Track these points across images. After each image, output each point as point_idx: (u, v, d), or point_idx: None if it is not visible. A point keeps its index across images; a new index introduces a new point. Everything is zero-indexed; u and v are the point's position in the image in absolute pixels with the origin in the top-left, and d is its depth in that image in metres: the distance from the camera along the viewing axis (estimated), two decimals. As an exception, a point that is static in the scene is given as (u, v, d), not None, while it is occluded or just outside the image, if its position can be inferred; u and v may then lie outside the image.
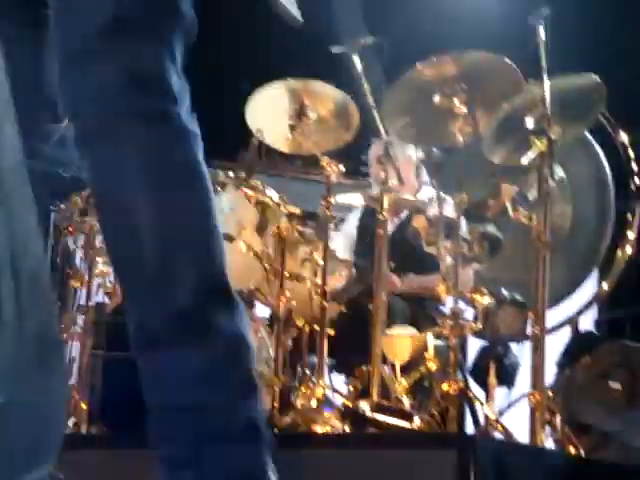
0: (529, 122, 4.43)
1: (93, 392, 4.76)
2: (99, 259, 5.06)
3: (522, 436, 4.19)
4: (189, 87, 2.09)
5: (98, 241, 5.05)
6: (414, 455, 3.53)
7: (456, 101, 4.56)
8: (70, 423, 4.73)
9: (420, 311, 5.10)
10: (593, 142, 5.67)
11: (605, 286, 5.85)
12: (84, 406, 4.63)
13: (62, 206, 5.20)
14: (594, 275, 6.00)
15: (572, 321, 5.93)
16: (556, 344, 5.56)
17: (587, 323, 6.13)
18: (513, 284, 4.79)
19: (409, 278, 5.15)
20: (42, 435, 1.60)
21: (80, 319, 5.29)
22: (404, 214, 5.25)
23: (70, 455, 4.08)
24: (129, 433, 4.39)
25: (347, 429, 4.10)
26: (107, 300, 5.08)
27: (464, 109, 4.54)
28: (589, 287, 6.04)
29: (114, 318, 4.94)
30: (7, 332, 1.47)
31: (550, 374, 4.96)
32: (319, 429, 4.12)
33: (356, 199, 4.78)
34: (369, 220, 4.88)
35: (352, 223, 5.48)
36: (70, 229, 5.16)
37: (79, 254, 5.22)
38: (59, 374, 1.64)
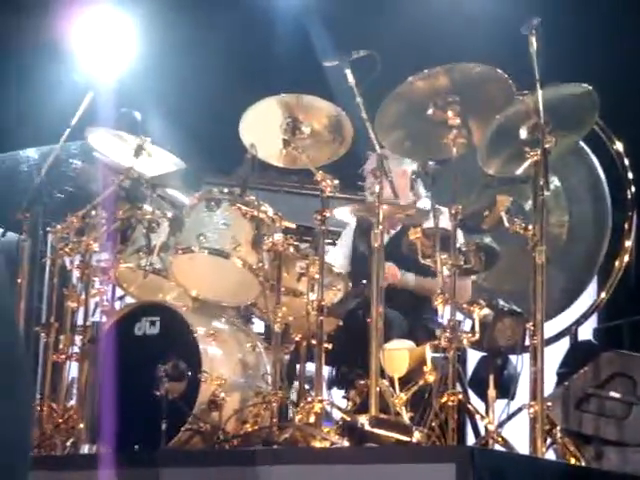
0: (523, 133, 4.43)
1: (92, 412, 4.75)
2: (95, 278, 5.05)
3: (522, 447, 4.18)
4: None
5: (94, 260, 5.04)
6: (413, 469, 3.53)
7: (449, 113, 4.56)
8: (68, 443, 4.72)
9: (418, 324, 5.09)
10: (588, 151, 5.67)
11: (603, 295, 5.85)
12: (82, 426, 4.62)
13: (58, 227, 5.20)
14: (592, 284, 6.00)
15: (571, 331, 5.93)
16: (555, 354, 5.56)
17: (586, 332, 6.12)
18: (511, 295, 4.79)
19: (408, 276, 5.12)
20: (6, 458, 1.58)
21: (78, 339, 5.28)
22: (399, 227, 5.24)
23: (69, 475, 4.08)
24: (127, 453, 4.40)
25: (346, 444, 4.09)
26: (104, 319, 5.06)
27: (458, 121, 4.55)
28: (588, 296, 6.03)
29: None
30: None
31: (550, 385, 4.95)
32: (318, 444, 4.11)
33: (351, 214, 4.77)
34: (363, 233, 4.87)
35: (348, 236, 5.47)
36: (66, 249, 5.15)
37: (76, 274, 5.21)
38: (23, 401, 1.62)
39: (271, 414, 4.44)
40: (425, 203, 5.18)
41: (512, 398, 4.43)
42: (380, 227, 4.42)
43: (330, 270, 4.76)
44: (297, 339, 4.69)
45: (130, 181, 5.04)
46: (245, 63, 6.74)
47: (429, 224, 4.60)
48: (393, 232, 5.28)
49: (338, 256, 5.36)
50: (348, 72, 4.58)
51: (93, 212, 5.04)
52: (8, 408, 1.55)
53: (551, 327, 5.49)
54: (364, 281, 4.59)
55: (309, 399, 4.37)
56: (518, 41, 4.32)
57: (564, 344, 5.94)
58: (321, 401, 4.33)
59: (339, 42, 5.31)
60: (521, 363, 4.43)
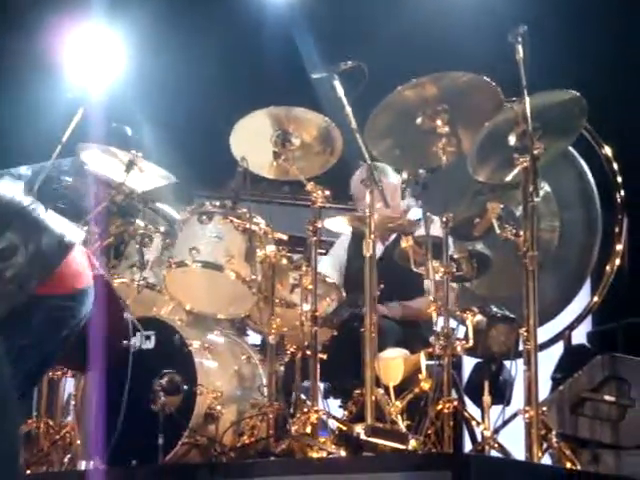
0: (512, 139, 4.45)
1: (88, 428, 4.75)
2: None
3: (519, 452, 4.19)
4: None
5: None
6: (409, 477, 3.54)
7: (438, 121, 4.59)
8: (66, 460, 4.73)
9: (412, 332, 5.10)
10: (577, 156, 5.69)
11: (596, 299, 5.87)
12: (79, 442, 4.62)
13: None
14: (585, 288, 6.01)
15: (564, 335, 5.95)
16: (550, 359, 5.57)
17: (580, 336, 6.14)
18: (504, 301, 4.80)
19: (395, 306, 5.13)
20: None
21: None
22: (392, 238, 5.26)
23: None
24: (125, 468, 4.40)
25: (343, 453, 4.10)
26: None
27: (447, 129, 4.57)
28: (581, 300, 6.05)
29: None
30: None
31: (545, 389, 4.97)
32: (315, 454, 4.12)
33: (343, 224, 4.79)
34: (358, 244, 4.88)
35: (341, 246, 5.48)
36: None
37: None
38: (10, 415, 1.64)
39: (268, 426, 4.45)
40: (416, 212, 5.20)
41: (507, 404, 4.45)
42: (372, 236, 4.44)
43: (323, 280, 4.78)
44: (292, 350, 4.70)
45: (122, 196, 5.05)
46: (234, 76, 6.76)
47: (420, 232, 4.62)
48: (387, 243, 5.31)
49: (327, 266, 5.37)
50: (337, 83, 4.60)
51: (86, 228, 5.05)
52: None
53: (545, 332, 5.51)
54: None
55: (305, 410, 4.37)
56: (505, 49, 4.34)
57: (558, 348, 5.95)
58: (317, 411, 4.34)
59: (327, 53, 5.33)
60: (515, 368, 4.45)
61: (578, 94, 4.48)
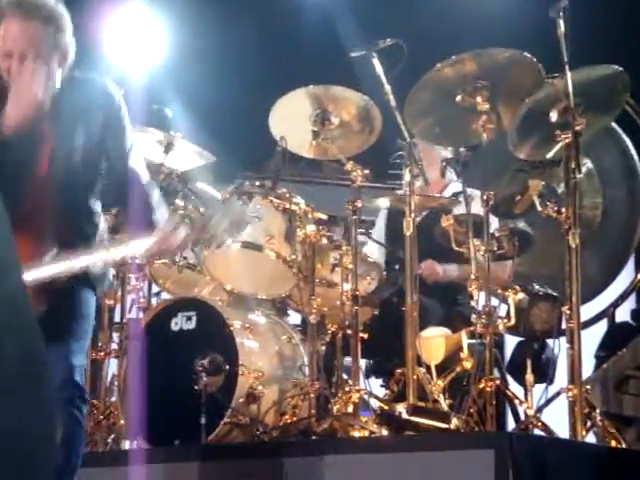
0: (553, 116, 4.40)
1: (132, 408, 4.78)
2: (131, 275, 5.09)
3: (562, 431, 4.16)
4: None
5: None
6: (452, 456, 3.53)
7: (478, 98, 4.54)
8: (109, 440, 4.76)
9: (454, 311, 5.07)
10: (621, 132, 5.62)
11: (640, 276, 5.81)
12: (123, 422, 4.65)
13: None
14: (629, 265, 5.95)
15: (608, 313, 5.90)
16: (593, 337, 5.53)
17: (624, 314, 6.07)
18: (547, 279, 4.76)
19: (452, 268, 5.08)
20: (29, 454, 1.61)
21: (116, 336, 5.33)
22: (424, 213, 5.20)
23: (111, 471, 4.12)
24: (168, 448, 4.43)
25: (385, 433, 4.10)
26: (141, 315, 5.10)
27: (487, 106, 4.53)
28: (625, 277, 5.99)
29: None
30: None
31: (589, 367, 4.93)
32: (357, 434, 4.12)
33: (383, 202, 4.75)
34: (395, 220, 4.84)
35: (379, 224, 5.45)
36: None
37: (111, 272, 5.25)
38: (44, 392, 1.65)
39: (309, 405, 4.45)
40: (455, 187, 5.16)
41: (551, 382, 4.42)
42: (412, 215, 4.41)
43: (364, 259, 4.76)
44: (333, 330, 4.70)
45: (162, 177, 5.07)
46: (273, 56, 6.75)
47: (459, 210, 4.58)
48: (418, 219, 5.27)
49: (371, 245, 5.34)
50: (375, 61, 4.57)
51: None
52: (30, 398, 1.59)
53: (588, 309, 5.46)
54: (397, 267, 4.57)
55: (347, 389, 4.37)
56: (546, 24, 4.28)
57: (602, 326, 5.91)
58: (359, 391, 4.34)
59: (366, 31, 5.29)
60: (558, 347, 4.41)
61: (621, 69, 4.42)
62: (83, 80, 3.31)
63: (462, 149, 5.04)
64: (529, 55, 4.50)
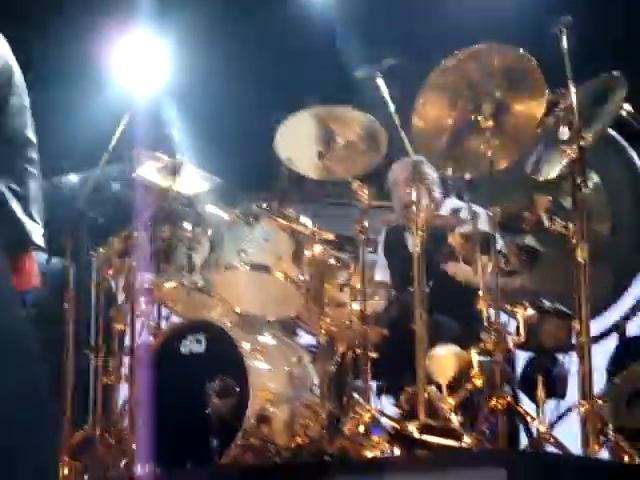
0: (564, 133, 4.37)
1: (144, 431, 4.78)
2: (141, 299, 5.09)
3: (575, 447, 4.14)
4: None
5: (138, 281, 5.07)
6: (464, 474, 3.51)
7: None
8: (122, 464, 4.76)
9: (470, 327, 5.05)
10: (625, 144, 5.61)
11: (650, 289, 5.78)
12: (134, 446, 4.65)
13: (102, 250, 5.26)
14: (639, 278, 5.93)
15: (619, 326, 5.88)
16: (605, 351, 5.50)
17: (635, 327, 6.05)
18: (557, 295, 4.74)
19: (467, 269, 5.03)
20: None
21: (126, 361, 5.32)
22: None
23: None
24: (180, 471, 4.43)
25: (397, 452, 4.08)
26: (152, 339, 5.10)
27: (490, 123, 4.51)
28: (635, 291, 5.97)
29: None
30: None
31: (600, 382, 4.90)
32: (368, 453, 4.11)
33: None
34: (392, 238, 4.83)
35: (381, 244, 5.45)
36: (110, 272, 5.21)
37: (121, 296, 5.26)
38: (45, 431, 1.66)
39: (320, 425, 4.44)
40: (451, 204, 5.15)
41: (562, 397, 4.40)
42: (420, 233, 4.40)
43: (372, 279, 4.76)
44: (342, 350, 4.69)
45: (169, 201, 5.08)
46: (277, 77, 6.77)
47: (463, 228, 4.58)
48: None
49: (378, 265, 5.34)
50: (380, 81, 4.59)
51: (135, 233, 5.09)
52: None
53: (599, 323, 5.44)
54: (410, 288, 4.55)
55: (357, 409, 4.36)
56: (544, 39, 4.27)
57: (613, 340, 5.88)
58: (369, 410, 4.33)
59: (371, 47, 5.30)
60: (569, 362, 4.40)
61: (618, 73, 4.40)
62: None
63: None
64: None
